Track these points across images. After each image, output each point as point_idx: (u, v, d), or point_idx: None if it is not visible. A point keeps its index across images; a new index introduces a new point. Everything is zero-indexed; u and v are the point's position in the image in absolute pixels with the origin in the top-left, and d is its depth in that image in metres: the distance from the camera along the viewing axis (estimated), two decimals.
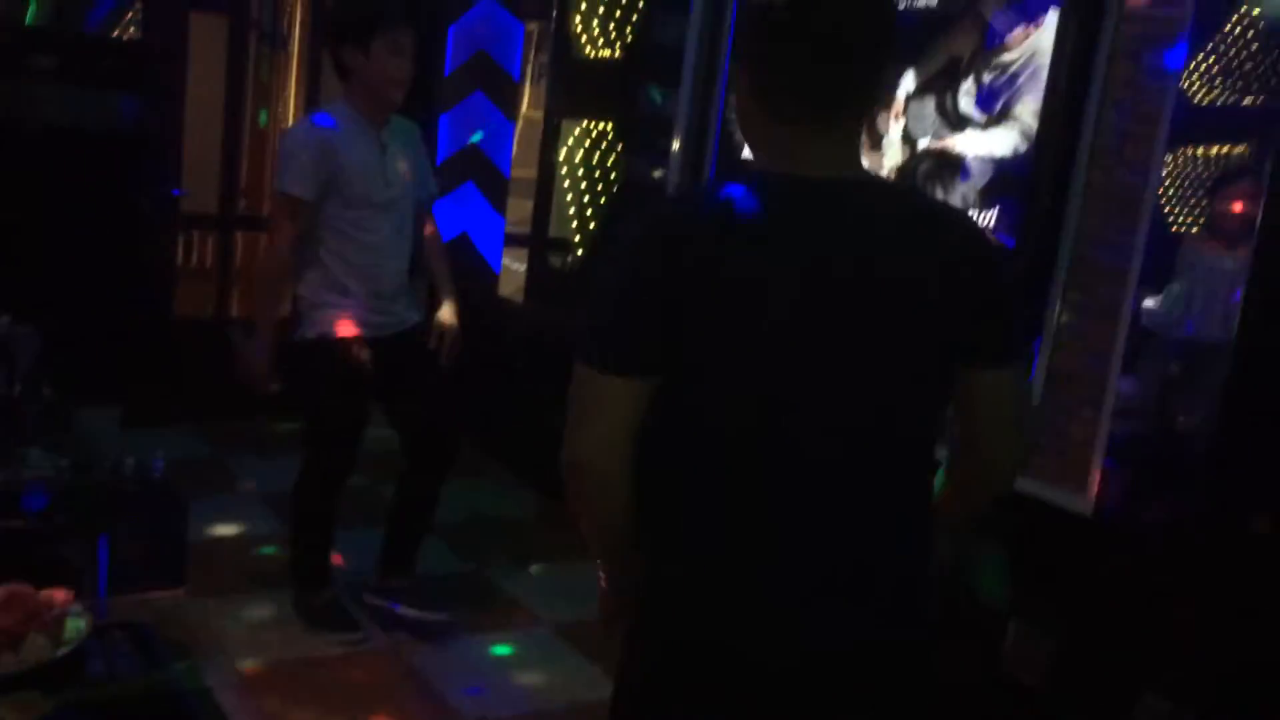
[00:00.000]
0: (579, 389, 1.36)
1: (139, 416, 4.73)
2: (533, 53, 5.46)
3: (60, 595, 1.84)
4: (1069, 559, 2.57)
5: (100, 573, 2.59)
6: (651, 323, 1.31)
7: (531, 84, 5.62)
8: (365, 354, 3.10)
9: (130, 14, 4.73)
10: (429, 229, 3.47)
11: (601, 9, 4.37)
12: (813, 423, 1.33)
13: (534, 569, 3.97)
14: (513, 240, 5.03)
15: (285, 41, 6.18)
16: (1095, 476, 2.49)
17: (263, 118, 6.49)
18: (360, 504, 3.75)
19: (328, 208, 3.05)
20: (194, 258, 6.15)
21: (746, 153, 2.98)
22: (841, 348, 1.32)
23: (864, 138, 1.35)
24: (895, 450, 1.39)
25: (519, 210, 5.02)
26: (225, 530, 3.94)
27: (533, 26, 5.10)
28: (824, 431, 1.33)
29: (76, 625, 1.81)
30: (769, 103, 1.36)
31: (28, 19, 4.59)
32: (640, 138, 4.16)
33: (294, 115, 6.16)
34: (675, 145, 3.80)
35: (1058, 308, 2.57)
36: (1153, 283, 2.72)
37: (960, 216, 1.50)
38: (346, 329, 3.12)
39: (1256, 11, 2.77)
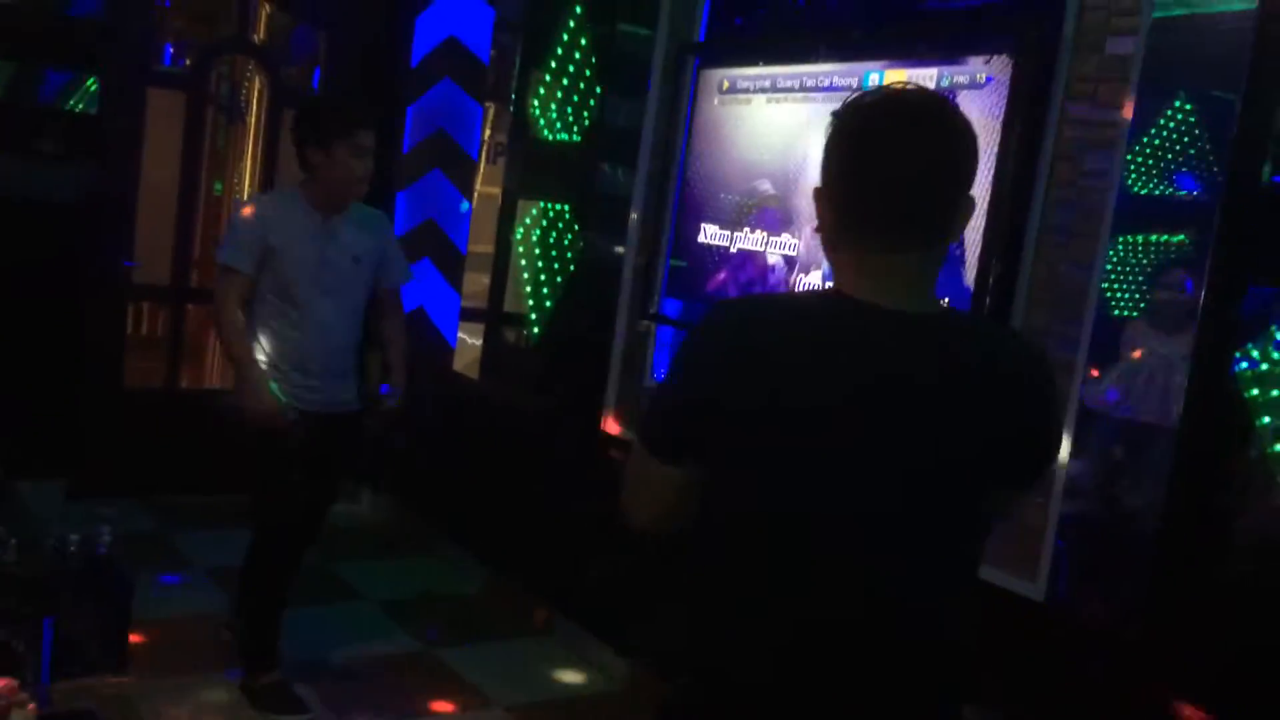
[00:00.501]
0: (633, 460, 1.45)
1: (84, 488, 4.64)
2: (489, 132, 5.55)
3: (3, 684, 1.79)
4: (1020, 643, 2.60)
5: (44, 658, 2.52)
6: (694, 421, 1.36)
7: (488, 163, 5.70)
8: (291, 417, 3.15)
9: (84, 86, 4.73)
10: (390, 315, 3.50)
11: (560, 93, 4.46)
12: (853, 552, 1.34)
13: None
14: (468, 315, 5.06)
15: (243, 114, 6.22)
16: (1046, 560, 2.53)
17: (218, 187, 6.50)
18: (313, 583, 3.70)
19: (264, 282, 3.18)
20: (143, 328, 6.10)
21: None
22: (888, 478, 1.33)
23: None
24: (938, 578, 1.39)
25: (475, 285, 5.06)
26: (172, 609, 3.85)
27: (490, 107, 5.19)
28: (865, 561, 1.34)
29: (21, 716, 1.77)
30: (843, 229, 1.38)
31: None
32: (598, 218, 4.22)
33: (249, 186, 6.19)
34: (632, 223, 3.86)
35: None
36: (1100, 362, 2.79)
37: (1027, 349, 1.51)
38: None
39: (1189, 107, 2.90)
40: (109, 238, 4.80)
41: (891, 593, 1.35)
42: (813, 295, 1.44)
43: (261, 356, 3.21)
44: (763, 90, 3.36)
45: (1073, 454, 2.54)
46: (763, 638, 1.36)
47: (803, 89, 3.22)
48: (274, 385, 3.18)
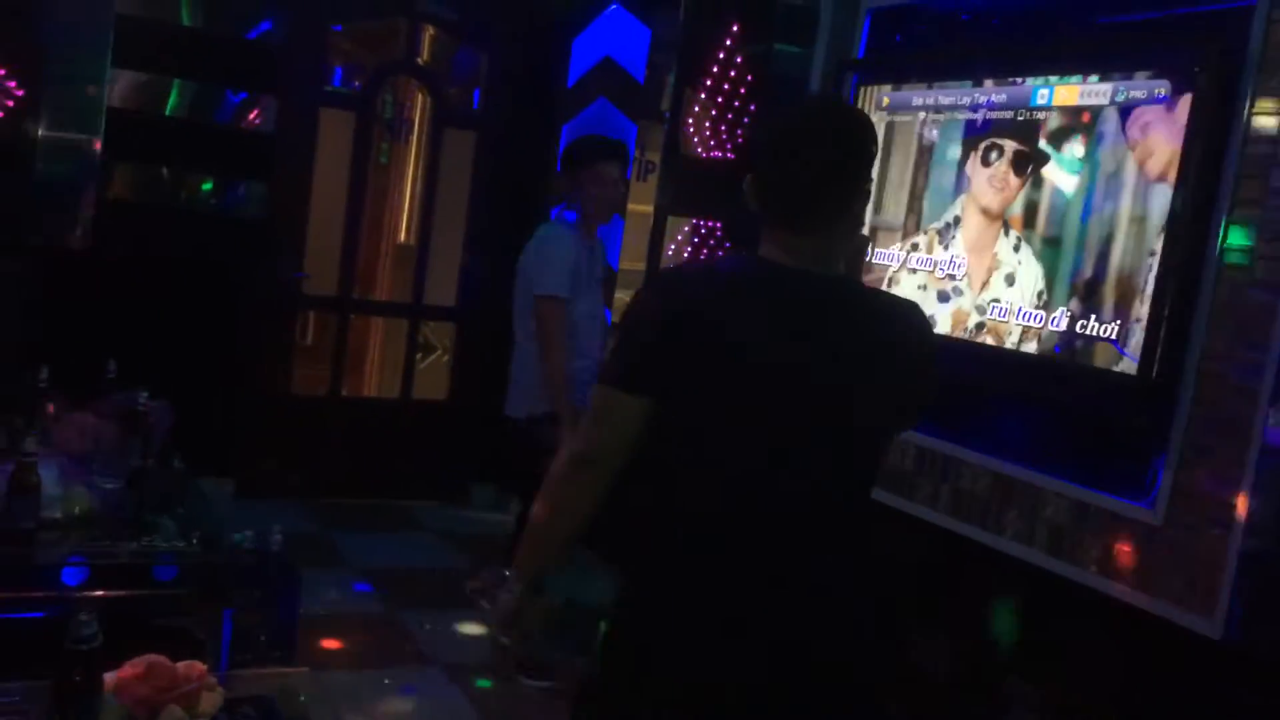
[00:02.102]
0: (599, 402, 1.71)
1: (251, 489, 4.87)
2: (641, 151, 5.61)
3: (195, 668, 1.89)
4: (1195, 681, 2.48)
5: (223, 646, 2.65)
6: (655, 360, 1.65)
7: (639, 180, 5.76)
8: None
9: (256, 109, 4.99)
10: None
11: (714, 110, 4.48)
12: (781, 465, 1.63)
13: None
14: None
15: (406, 133, 6.45)
16: (1224, 597, 2.41)
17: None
18: None
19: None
20: (308, 337, 6.37)
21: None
22: (798, 407, 1.63)
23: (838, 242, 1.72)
24: (848, 494, 1.70)
25: (626, 302, 5.10)
26: (331, 606, 4.01)
27: (644, 125, 5.25)
28: (790, 474, 1.64)
29: (210, 698, 1.86)
30: (764, 210, 1.69)
31: (167, 110, 4.87)
32: (750, 235, 4.21)
33: (410, 202, 6.40)
34: None
35: (1184, 425, 2.53)
36: None
37: (908, 309, 1.79)
38: None
39: None
40: (282, 251, 5.03)
41: (806, 508, 1.65)
42: (740, 258, 1.88)
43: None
44: (925, 108, 3.31)
45: (1254, 489, 2.42)
46: (696, 543, 1.66)
47: (967, 106, 3.16)
48: None
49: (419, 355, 5.76)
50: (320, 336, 6.43)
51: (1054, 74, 2.92)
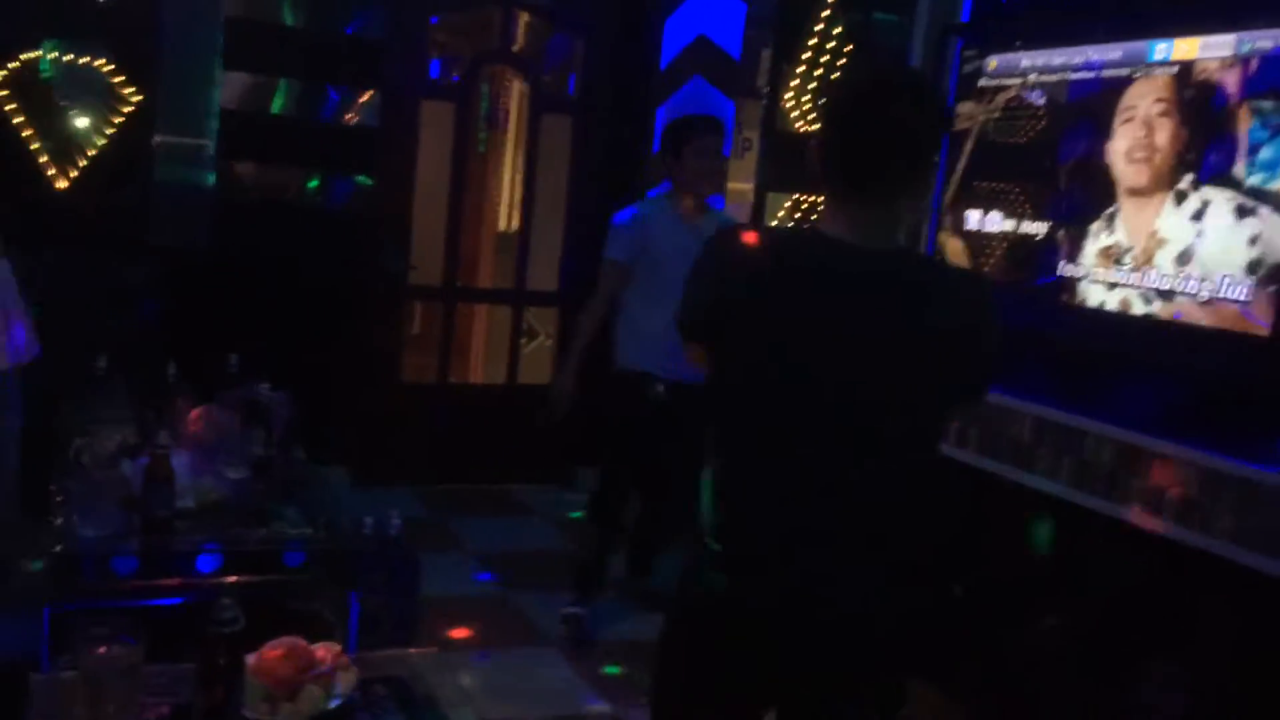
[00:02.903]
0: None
1: (366, 476, 4.99)
2: (739, 129, 5.57)
3: (331, 649, 1.95)
4: None
5: (351, 628, 2.72)
6: (705, 313, 1.78)
7: (736, 158, 5.72)
8: (659, 387, 3.66)
9: (359, 102, 5.08)
10: None
11: (812, 84, 4.43)
12: (813, 430, 1.68)
13: None
14: None
15: (504, 123, 6.51)
16: None
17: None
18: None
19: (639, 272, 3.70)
20: (415, 326, 6.49)
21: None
22: (838, 377, 1.67)
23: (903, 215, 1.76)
24: (891, 450, 1.71)
25: None
26: (448, 588, 4.10)
27: (741, 102, 5.21)
28: (821, 438, 1.68)
29: (346, 678, 1.92)
30: (829, 172, 1.70)
31: (274, 109, 5.00)
32: None
33: (510, 190, 6.47)
34: None
35: None
36: None
37: (967, 285, 1.82)
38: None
39: None
40: (389, 243, 5.13)
41: (847, 460, 1.69)
42: (795, 230, 2.07)
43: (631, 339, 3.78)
44: (1035, 70, 3.22)
45: None
46: (751, 489, 1.75)
47: (1082, 67, 3.06)
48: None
49: (523, 340, 5.82)
50: (427, 325, 6.55)
51: (1171, 29, 2.81)
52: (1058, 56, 3.15)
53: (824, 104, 1.74)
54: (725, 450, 1.79)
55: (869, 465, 1.70)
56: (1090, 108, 3.03)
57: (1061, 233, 3.11)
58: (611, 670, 3.62)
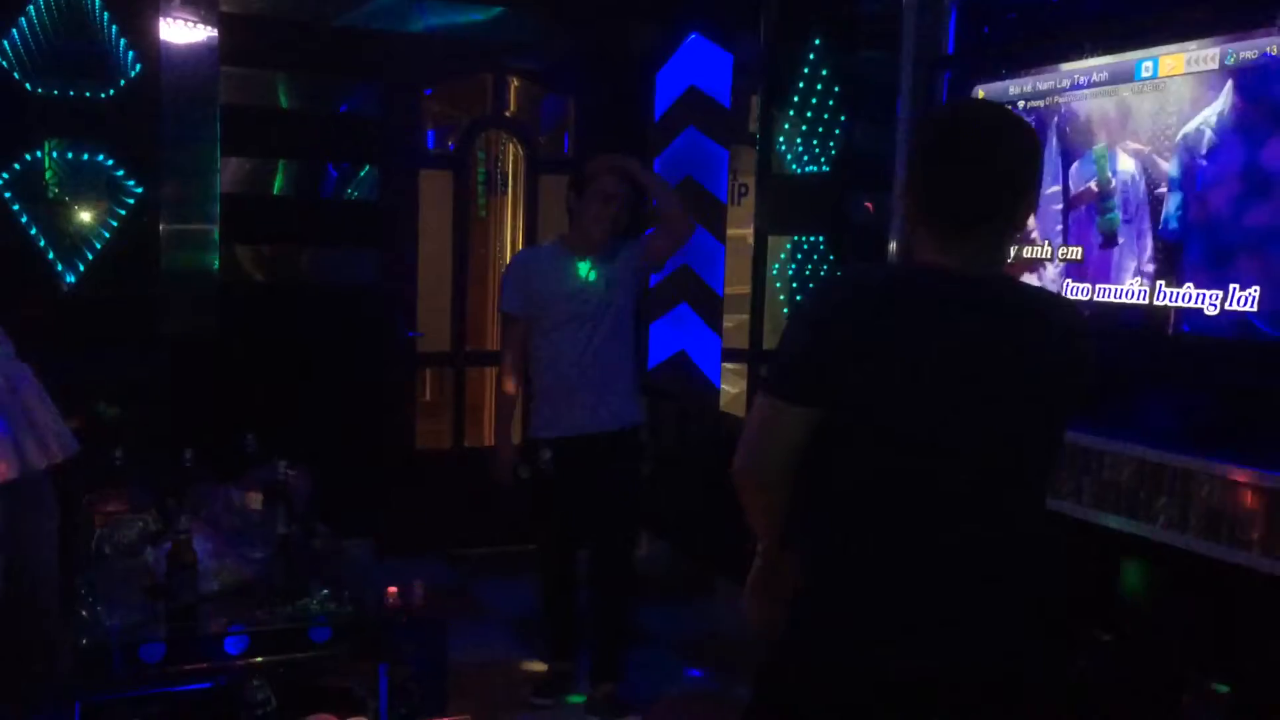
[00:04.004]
0: (759, 414, 1.69)
1: (389, 546, 4.97)
2: (734, 175, 5.61)
3: None
4: None
5: (381, 700, 2.71)
6: (822, 369, 1.62)
7: (733, 204, 5.76)
8: (545, 454, 3.67)
9: (359, 175, 5.14)
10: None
11: (804, 125, 4.47)
12: (953, 470, 1.61)
13: None
14: (731, 355, 5.10)
15: (502, 186, 6.57)
16: None
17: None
18: None
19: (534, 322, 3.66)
20: (426, 393, 6.51)
21: None
22: (975, 409, 1.61)
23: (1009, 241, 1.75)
24: (1018, 498, 1.67)
25: (739, 326, 5.10)
26: (479, 655, 4.06)
27: (735, 149, 5.26)
28: (961, 479, 1.61)
29: None
30: (928, 209, 1.67)
31: (275, 189, 5.07)
32: (853, 248, 4.18)
33: (511, 250, 6.51)
34: (891, 252, 3.80)
35: None
36: None
37: (1067, 307, 1.78)
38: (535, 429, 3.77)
39: None
40: (396, 312, 5.17)
41: (973, 510, 1.62)
42: (898, 264, 1.96)
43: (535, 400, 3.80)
44: (1023, 97, 3.25)
45: None
46: (885, 566, 1.64)
47: (1067, 89, 3.09)
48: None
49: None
50: (438, 392, 6.56)
51: (1156, 43, 2.83)
52: (1044, 81, 3.18)
53: (917, 147, 1.70)
54: (847, 508, 1.67)
55: (1006, 508, 1.65)
56: (1081, 127, 3.05)
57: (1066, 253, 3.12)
58: None
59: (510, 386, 3.76)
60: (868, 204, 3.85)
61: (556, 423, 3.67)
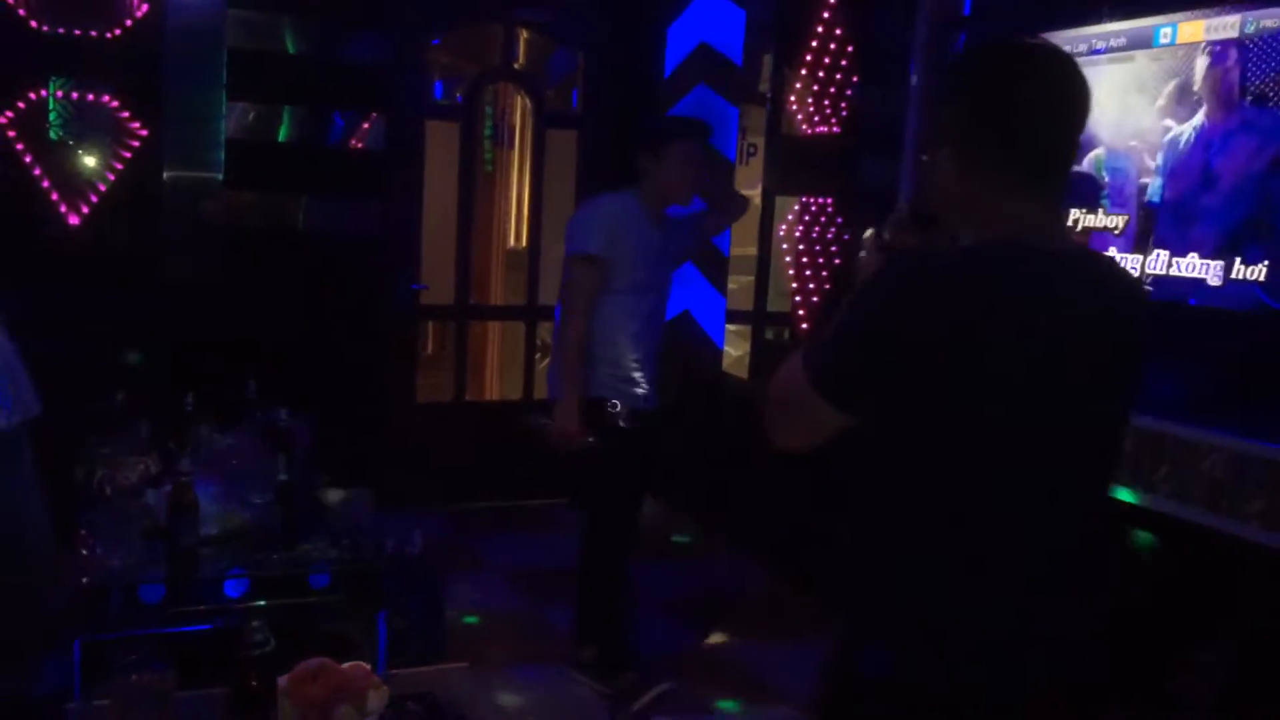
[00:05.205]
0: (792, 391, 1.48)
1: (387, 498, 4.98)
2: (743, 135, 5.58)
3: (361, 668, 1.94)
4: None
5: (379, 647, 2.72)
6: (882, 371, 1.40)
7: (741, 164, 5.73)
8: (617, 412, 3.36)
9: (364, 125, 5.10)
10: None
11: (815, 86, 4.43)
12: (1049, 467, 1.45)
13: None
14: (734, 316, 5.09)
15: (509, 139, 6.53)
16: None
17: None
18: None
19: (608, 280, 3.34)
20: (428, 346, 6.51)
21: None
22: (1071, 399, 1.43)
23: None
24: (1098, 484, 1.56)
25: (744, 287, 5.09)
26: (475, 606, 4.09)
27: (745, 108, 5.22)
28: (1057, 472, 1.46)
29: (377, 696, 1.91)
30: (1008, 167, 1.44)
31: (280, 136, 5.02)
32: (862, 210, 4.16)
33: (518, 205, 6.48)
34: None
35: None
36: None
37: (1132, 277, 1.71)
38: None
39: None
40: (400, 264, 5.15)
41: (1062, 500, 1.47)
42: (996, 249, 1.44)
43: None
44: None
45: None
46: (976, 582, 1.45)
47: (1085, 52, 3.05)
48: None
49: (538, 356, 5.83)
50: (440, 344, 6.56)
51: (1176, 8, 2.80)
52: (1062, 45, 3.14)
53: (1000, 89, 1.45)
54: (936, 510, 1.46)
55: (1091, 502, 1.55)
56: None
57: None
58: None
59: (579, 337, 3.34)
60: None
61: (619, 390, 3.39)
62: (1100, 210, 2.97)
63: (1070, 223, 3.05)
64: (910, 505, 1.47)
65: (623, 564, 3.56)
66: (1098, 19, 3.03)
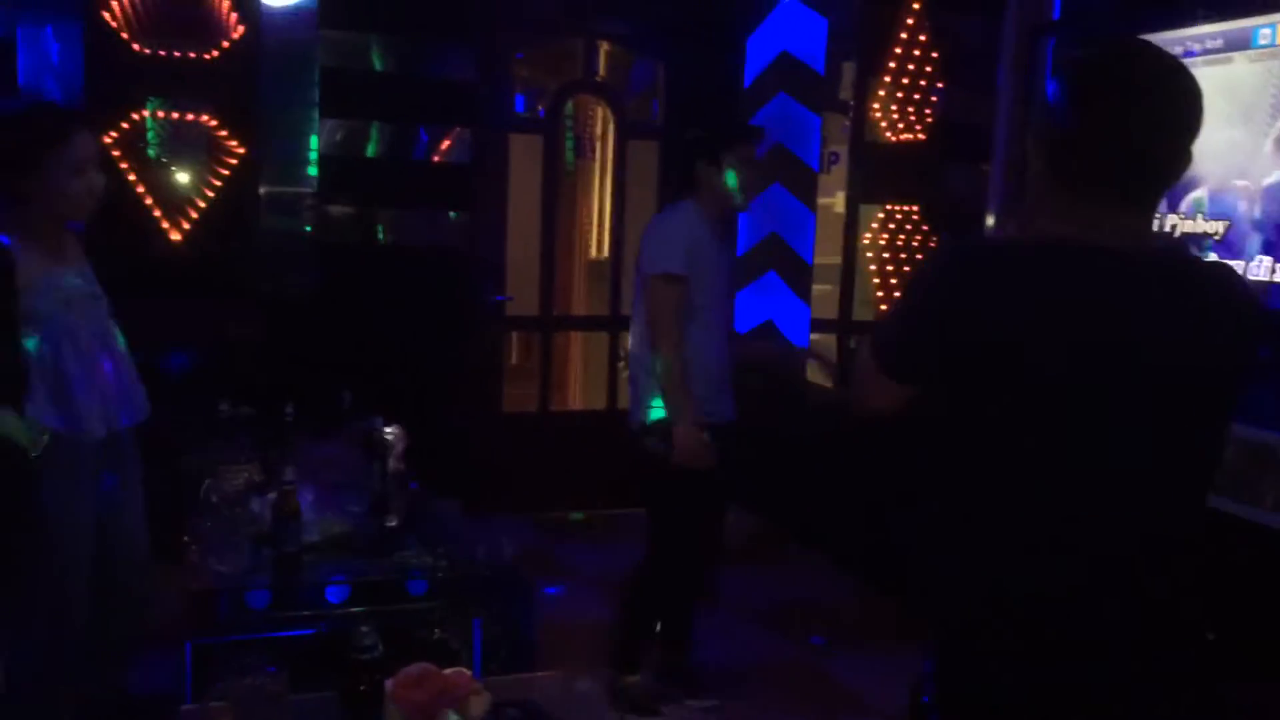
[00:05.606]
0: (866, 369, 1.58)
1: (476, 507, 5.07)
2: (824, 144, 5.57)
3: (463, 674, 1.99)
4: None
5: (475, 654, 2.77)
6: (929, 355, 1.48)
7: (824, 173, 5.71)
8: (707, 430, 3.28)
9: (447, 141, 5.19)
10: None
11: (900, 93, 4.41)
12: (1109, 477, 1.42)
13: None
14: (819, 325, 5.08)
15: (591, 151, 6.59)
16: None
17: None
18: None
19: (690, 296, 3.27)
20: (513, 357, 6.59)
21: None
22: (1133, 403, 1.41)
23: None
24: (1176, 493, 1.48)
25: (824, 295, 5.07)
26: (562, 614, 4.13)
27: (827, 116, 5.21)
28: (1115, 484, 1.43)
29: (478, 702, 1.95)
30: (1086, 170, 1.43)
31: (369, 152, 5.14)
32: (949, 217, 4.12)
33: (600, 216, 6.54)
34: (990, 222, 3.74)
35: None
36: None
37: (1228, 276, 1.54)
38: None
39: None
40: (485, 276, 5.23)
41: (1131, 508, 1.43)
42: (1053, 244, 1.44)
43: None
44: None
45: None
46: (1042, 569, 1.44)
47: (1180, 55, 2.99)
48: None
49: (620, 365, 5.87)
50: (525, 355, 6.63)
51: (1275, 9, 2.74)
52: None
53: (1087, 88, 1.43)
54: (999, 515, 1.46)
55: (1168, 506, 1.47)
56: None
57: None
58: None
59: (680, 356, 3.26)
60: None
61: (710, 408, 3.34)
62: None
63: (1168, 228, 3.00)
64: (977, 492, 1.49)
65: (699, 578, 3.55)
66: (1192, 21, 2.97)
